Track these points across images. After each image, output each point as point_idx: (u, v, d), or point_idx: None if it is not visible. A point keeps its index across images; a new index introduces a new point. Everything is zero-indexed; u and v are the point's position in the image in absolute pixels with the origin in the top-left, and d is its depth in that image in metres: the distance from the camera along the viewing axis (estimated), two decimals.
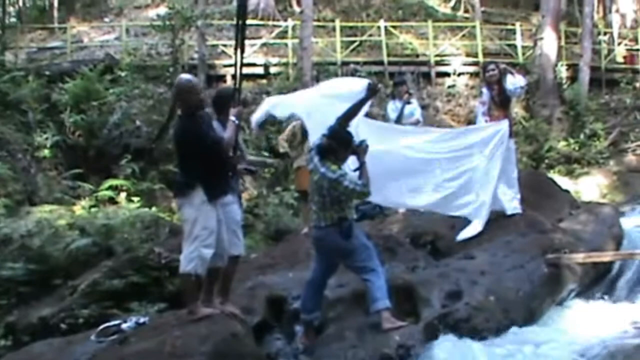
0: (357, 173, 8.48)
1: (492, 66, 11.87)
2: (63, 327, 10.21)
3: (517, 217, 11.21)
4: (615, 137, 26.96)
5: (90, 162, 20.89)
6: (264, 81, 28.07)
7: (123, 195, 18.33)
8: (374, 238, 10.10)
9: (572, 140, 26.12)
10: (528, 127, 26.43)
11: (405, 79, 20.06)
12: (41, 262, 11.91)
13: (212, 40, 30.11)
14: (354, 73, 27.42)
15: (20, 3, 42.24)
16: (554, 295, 9.73)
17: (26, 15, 40.33)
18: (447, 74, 30.40)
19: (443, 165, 11.06)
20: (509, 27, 34.38)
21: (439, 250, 11.31)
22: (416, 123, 14.27)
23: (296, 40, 28.50)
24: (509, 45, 32.65)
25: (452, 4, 39.95)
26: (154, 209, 17.43)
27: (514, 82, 11.45)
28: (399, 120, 14.03)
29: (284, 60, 29.05)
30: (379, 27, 31.85)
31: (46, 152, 20.18)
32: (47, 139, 20.49)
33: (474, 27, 32.87)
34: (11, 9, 39.65)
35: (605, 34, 35.03)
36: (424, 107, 19.13)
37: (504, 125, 11.18)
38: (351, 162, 8.64)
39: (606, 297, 10.39)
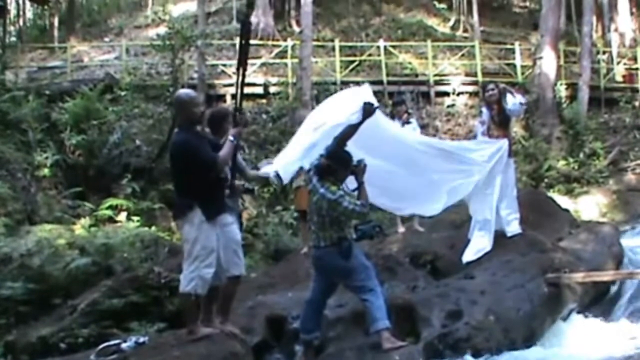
0: (356, 193, 8.50)
1: (491, 86, 11.88)
2: (62, 346, 10.18)
3: (517, 236, 11.20)
4: (615, 156, 26.95)
5: (90, 181, 20.90)
6: (264, 101, 28.16)
7: (123, 214, 18.33)
8: (374, 258, 10.13)
9: (571, 159, 26.11)
10: (527, 146, 26.44)
11: (404, 99, 20.10)
12: (41, 281, 11.91)
13: (211, 60, 30.23)
14: None
15: (21, 22, 42.39)
16: (554, 315, 9.73)
17: (26, 34, 40.45)
18: (446, 94, 30.41)
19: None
20: (508, 46, 34.49)
21: (438, 269, 11.30)
22: None
23: (296, 60, 28.57)
24: (508, 64, 32.70)
25: (451, 23, 40.03)
26: (153, 228, 17.44)
27: (514, 100, 11.45)
28: None
29: (283, 79, 29.07)
30: (378, 47, 31.94)
31: (46, 171, 20.18)
32: (47, 158, 20.50)
33: (473, 46, 32.95)
34: (12, 28, 39.82)
35: (604, 53, 35.06)
36: (423, 127, 19.14)
37: (504, 143, 11.19)
38: (349, 182, 8.63)
39: (606, 316, 10.38)
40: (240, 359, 7.76)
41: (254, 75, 28.64)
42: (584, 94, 28.99)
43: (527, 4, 45.95)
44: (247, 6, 8.27)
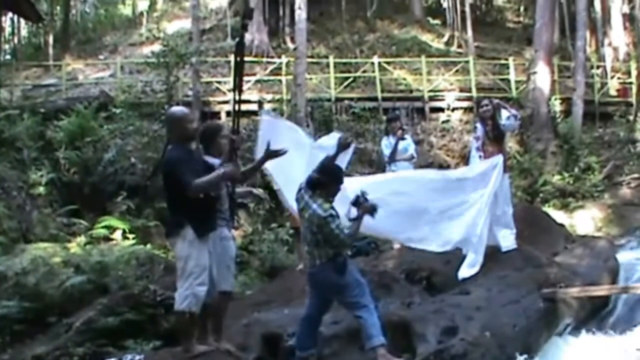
0: (352, 223, 8.57)
1: (485, 102, 11.90)
2: None
3: (512, 251, 11.20)
4: (610, 170, 26.96)
5: (85, 199, 20.87)
6: (258, 118, 28.11)
7: (118, 232, 18.30)
8: (369, 274, 10.12)
9: (566, 174, 26.10)
10: (522, 161, 26.47)
11: (399, 115, 20.11)
12: (36, 299, 11.87)
13: (206, 77, 30.26)
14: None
15: (16, 40, 42.47)
16: (550, 330, 9.73)
17: (21, 52, 40.60)
18: (441, 109, 30.43)
19: (437, 204, 11.01)
20: (502, 61, 34.54)
21: (434, 285, 11.28)
22: (410, 159, 14.33)
23: (290, 77, 28.56)
24: (502, 79, 32.76)
25: (445, 39, 40.15)
26: (149, 246, 17.37)
27: (508, 114, 11.47)
28: (392, 156, 14.09)
29: (278, 96, 29.05)
30: (372, 63, 31.99)
31: (41, 189, 20.15)
32: (42, 176, 20.47)
33: (467, 62, 33.00)
34: (6, 46, 39.83)
35: (598, 67, 35.19)
36: (418, 143, 19.19)
37: (499, 159, 11.20)
38: (348, 210, 8.65)
39: (602, 330, 10.38)
40: None
41: (249, 92, 28.58)
42: (579, 109, 29.04)
43: (521, 19, 46.21)
44: (240, 42, 8.24)
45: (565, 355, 9.45)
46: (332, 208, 8.33)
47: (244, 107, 9.04)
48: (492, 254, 11.02)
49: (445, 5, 43.04)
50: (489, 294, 9.80)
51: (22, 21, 40.52)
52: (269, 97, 29.09)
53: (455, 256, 11.26)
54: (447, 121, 30.01)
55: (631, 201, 25.27)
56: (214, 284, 8.14)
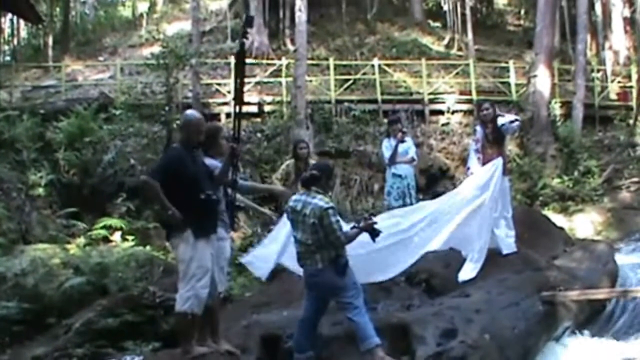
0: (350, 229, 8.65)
1: (486, 105, 11.91)
2: None
3: (512, 254, 11.19)
4: (610, 174, 26.95)
5: (85, 200, 20.89)
6: (258, 119, 28.11)
7: (117, 233, 18.30)
8: None
9: (566, 178, 26.09)
10: (522, 164, 26.45)
11: (400, 117, 20.09)
12: (35, 301, 11.88)
13: (206, 79, 30.23)
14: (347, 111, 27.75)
15: (15, 42, 42.45)
16: (549, 333, 9.72)
17: (21, 54, 40.56)
18: (441, 112, 30.34)
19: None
20: (503, 65, 34.44)
21: (433, 288, 11.26)
22: (411, 161, 14.32)
23: (290, 79, 28.49)
24: (502, 83, 32.68)
25: (445, 42, 40.08)
26: (148, 247, 17.40)
27: (504, 120, 11.48)
28: (392, 158, 14.08)
29: (278, 98, 28.99)
30: (372, 66, 31.92)
31: (40, 190, 20.17)
32: (41, 177, 20.50)
33: (467, 65, 32.93)
34: (6, 47, 39.86)
35: (598, 71, 35.16)
36: (417, 145, 19.10)
37: (498, 163, 11.17)
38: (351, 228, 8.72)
39: (601, 334, 10.37)
40: None
41: (249, 94, 28.52)
42: (579, 112, 29.04)
43: (522, 22, 46.18)
44: (240, 51, 8.24)
45: (563, 358, 9.45)
46: (332, 201, 8.40)
47: (243, 109, 9.07)
48: (492, 256, 10.99)
49: (445, 8, 42.97)
50: (489, 296, 9.78)
51: (22, 22, 40.53)
52: (268, 99, 29.09)
53: (455, 259, 11.25)
54: (447, 124, 29.94)
55: (631, 205, 25.27)
56: (215, 285, 8.16)
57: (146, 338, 10.76)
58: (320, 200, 8.33)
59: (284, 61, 31.15)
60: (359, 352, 8.39)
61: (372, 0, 41.64)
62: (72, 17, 43.61)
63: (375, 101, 29.81)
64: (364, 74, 32.26)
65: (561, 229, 15.07)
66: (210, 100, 28.67)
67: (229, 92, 27.59)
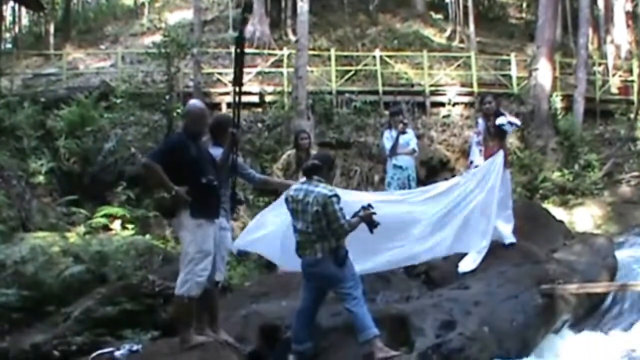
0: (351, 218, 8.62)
1: (489, 98, 11.93)
2: (56, 354, 10.16)
3: (511, 247, 11.19)
4: (610, 168, 26.91)
5: (85, 188, 20.89)
6: (259, 109, 28.09)
7: (117, 222, 18.30)
8: None
9: (566, 171, 26.05)
10: (522, 157, 26.40)
11: (402, 109, 20.06)
12: (34, 288, 11.86)
13: (207, 68, 30.19)
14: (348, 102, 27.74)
15: (17, 29, 42.38)
16: (548, 326, 9.73)
17: (22, 41, 40.47)
18: (442, 104, 30.28)
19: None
20: (504, 57, 34.35)
21: (433, 280, 11.28)
22: (412, 153, 14.29)
23: (291, 69, 28.39)
24: (503, 75, 32.61)
25: (447, 34, 40.06)
26: (148, 236, 17.37)
27: (501, 121, 11.47)
28: (393, 149, 14.06)
29: (279, 88, 28.99)
30: (374, 57, 31.89)
31: (41, 178, 20.18)
32: (42, 165, 20.50)
33: (469, 57, 32.88)
34: (7, 35, 39.77)
35: (599, 65, 35.11)
36: (418, 137, 19.04)
37: (498, 157, 11.12)
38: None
39: (600, 327, 10.39)
40: None
41: (250, 84, 28.51)
42: (580, 106, 28.98)
43: (524, 15, 46.08)
44: (239, 36, 8.22)
45: (563, 352, 9.45)
46: (335, 190, 8.43)
47: (244, 98, 9.12)
48: (492, 249, 10.98)
49: (447, 0, 42.96)
50: (488, 289, 9.80)
51: (23, 10, 40.47)
52: (269, 89, 29.07)
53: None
54: (448, 116, 29.88)
55: (631, 199, 25.24)
56: (215, 271, 8.18)
57: (145, 327, 10.74)
58: (323, 189, 8.35)
59: (286, 51, 31.09)
60: (358, 343, 8.41)
61: None
62: (73, 4, 43.59)
63: (376, 92, 29.77)
64: (366, 65, 32.22)
65: (561, 222, 15.04)
66: (212, 90, 28.60)
67: (230, 81, 27.55)
